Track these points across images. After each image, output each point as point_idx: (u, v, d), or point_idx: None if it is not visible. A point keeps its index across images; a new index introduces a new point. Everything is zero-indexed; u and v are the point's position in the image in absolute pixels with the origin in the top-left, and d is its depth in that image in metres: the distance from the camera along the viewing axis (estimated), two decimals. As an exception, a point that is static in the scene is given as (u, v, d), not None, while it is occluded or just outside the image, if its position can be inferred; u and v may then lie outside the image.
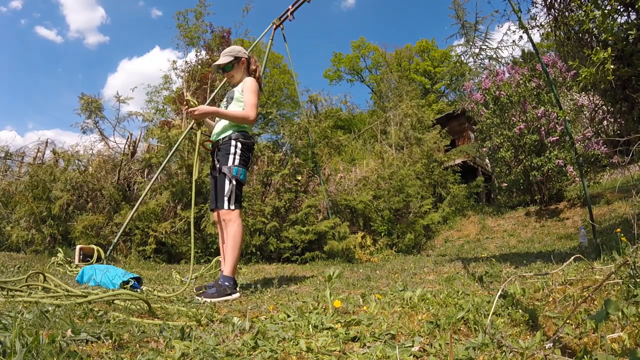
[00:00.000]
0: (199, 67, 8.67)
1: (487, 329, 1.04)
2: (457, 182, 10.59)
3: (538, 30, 3.37)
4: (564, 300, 1.31)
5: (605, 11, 2.26)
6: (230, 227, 2.28)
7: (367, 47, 29.36)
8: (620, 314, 1.00)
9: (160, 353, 0.96)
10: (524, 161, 8.13)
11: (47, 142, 7.12)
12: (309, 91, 11.87)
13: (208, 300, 2.00)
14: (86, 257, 3.75)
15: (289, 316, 1.36)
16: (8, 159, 7.07)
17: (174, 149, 4.94)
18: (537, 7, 3.39)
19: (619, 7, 2.31)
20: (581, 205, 7.65)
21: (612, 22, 2.28)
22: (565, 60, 2.98)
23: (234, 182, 2.31)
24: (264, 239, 5.43)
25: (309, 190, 6.48)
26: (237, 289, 2.26)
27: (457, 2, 4.05)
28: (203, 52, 8.92)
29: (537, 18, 3.32)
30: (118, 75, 44.02)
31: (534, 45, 4.13)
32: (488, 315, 1.17)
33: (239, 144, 2.38)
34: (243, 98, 2.42)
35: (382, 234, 6.85)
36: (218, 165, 2.37)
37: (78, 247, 3.80)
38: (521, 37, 3.72)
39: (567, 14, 2.82)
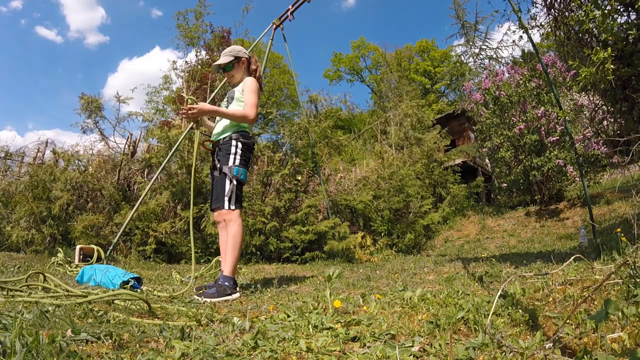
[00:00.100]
0: (199, 67, 8.67)
1: (487, 329, 1.04)
2: (457, 182, 10.59)
3: (538, 30, 3.37)
4: (564, 300, 1.31)
5: (605, 11, 2.26)
6: (230, 227, 2.28)
7: (367, 47, 29.36)
8: (620, 314, 1.00)
9: (160, 353, 0.96)
10: (524, 161, 8.13)
11: (47, 142, 7.13)
12: (309, 91, 11.90)
13: (208, 300, 2.00)
14: (86, 257, 3.75)
15: (289, 316, 1.36)
16: (8, 159, 7.07)
17: (174, 149, 4.95)
18: (537, 7, 3.39)
19: (619, 7, 2.31)
20: (581, 205, 7.65)
21: (612, 22, 2.28)
22: (565, 60, 2.97)
23: (235, 182, 2.32)
24: (264, 239, 5.43)
25: (309, 190, 6.48)
26: (237, 289, 2.26)
27: (457, 2, 4.05)
28: (203, 52, 8.92)
29: (537, 18, 3.33)
30: (118, 75, 44.10)
31: (533, 45, 4.13)
32: (488, 315, 1.17)
33: (240, 144, 2.38)
34: (243, 98, 2.42)
35: (382, 234, 6.85)
36: (218, 165, 2.37)
37: (78, 247, 3.80)
38: (521, 37, 3.72)
39: (567, 14, 2.82)
